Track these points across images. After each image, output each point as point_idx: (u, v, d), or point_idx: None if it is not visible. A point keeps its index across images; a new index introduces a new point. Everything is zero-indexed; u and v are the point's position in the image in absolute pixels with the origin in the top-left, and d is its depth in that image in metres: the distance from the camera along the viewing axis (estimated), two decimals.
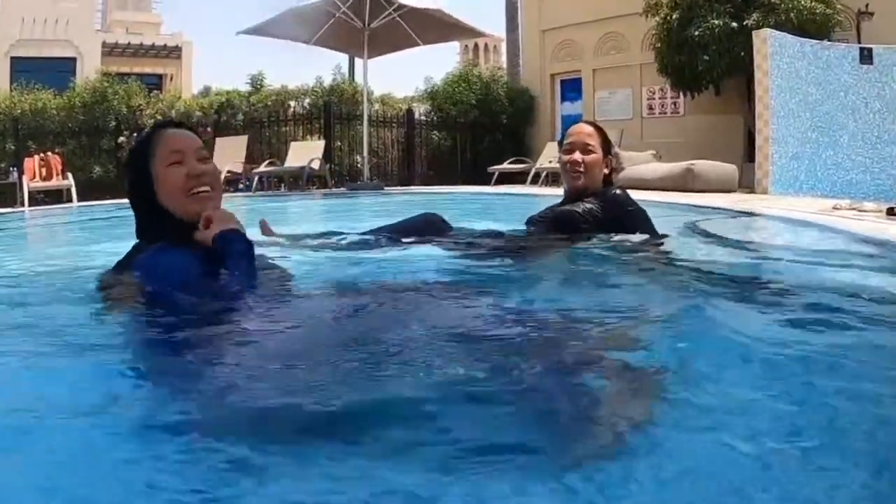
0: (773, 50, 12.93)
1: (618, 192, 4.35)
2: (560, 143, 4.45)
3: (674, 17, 16.16)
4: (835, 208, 7.44)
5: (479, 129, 21.27)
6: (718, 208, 8.03)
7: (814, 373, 1.98)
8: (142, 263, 2.80)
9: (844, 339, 2.31)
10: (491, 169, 17.79)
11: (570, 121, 20.89)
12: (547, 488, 1.37)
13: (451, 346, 2.22)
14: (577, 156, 4.21)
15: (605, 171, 4.32)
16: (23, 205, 17.00)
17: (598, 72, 20.95)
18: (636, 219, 4.30)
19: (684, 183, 13.04)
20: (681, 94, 17.79)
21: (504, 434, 1.61)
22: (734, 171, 13.83)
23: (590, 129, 4.33)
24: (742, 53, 14.57)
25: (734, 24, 15.19)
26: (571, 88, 21.75)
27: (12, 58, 36.76)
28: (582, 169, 4.22)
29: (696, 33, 15.44)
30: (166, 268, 2.75)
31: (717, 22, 15.26)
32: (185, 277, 2.71)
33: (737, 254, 4.97)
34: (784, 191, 12.45)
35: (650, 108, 19.90)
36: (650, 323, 2.56)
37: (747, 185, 13.66)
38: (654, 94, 19.72)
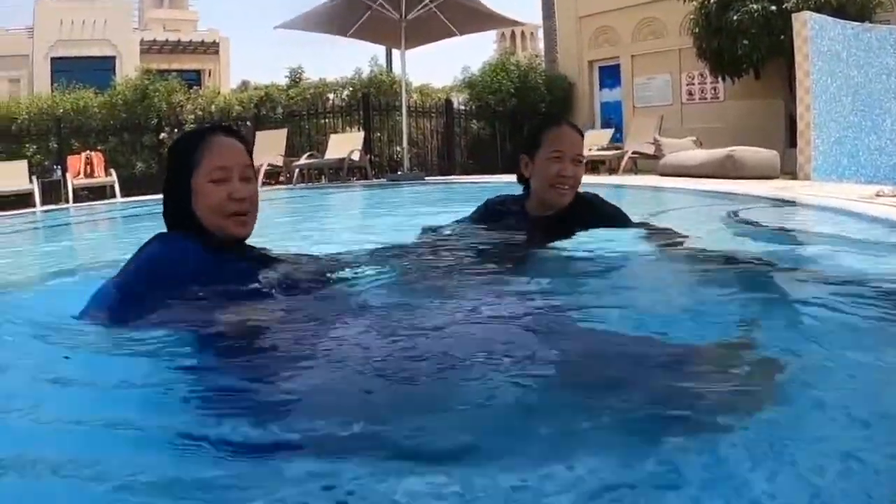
0: (813, 33, 12.75)
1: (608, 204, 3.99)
2: (534, 145, 3.79)
3: (711, 1, 15.99)
4: (877, 195, 7.29)
5: (517, 118, 21.07)
6: (758, 196, 7.85)
7: None
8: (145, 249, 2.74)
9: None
10: None
11: (608, 107, 20.91)
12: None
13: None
14: (569, 167, 3.67)
15: None
16: (67, 201, 17.25)
17: (637, 58, 20.77)
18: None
19: (725, 170, 12.87)
20: (720, 79, 17.59)
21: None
22: (775, 157, 13.63)
23: (579, 136, 3.85)
24: (782, 37, 14.43)
25: (773, 8, 15.04)
26: (610, 75, 21.60)
27: (52, 58, 37.12)
28: (572, 184, 3.70)
29: (735, 17, 15.30)
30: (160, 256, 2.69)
31: (755, 6, 15.11)
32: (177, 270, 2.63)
33: (777, 243, 4.94)
34: (826, 177, 12.28)
35: (689, 93, 19.70)
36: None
37: (789, 170, 13.46)
38: (693, 79, 19.51)
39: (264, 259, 2.93)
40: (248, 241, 2.91)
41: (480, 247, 3.76)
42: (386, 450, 1.63)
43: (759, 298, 3.00)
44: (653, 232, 3.98)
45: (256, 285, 2.73)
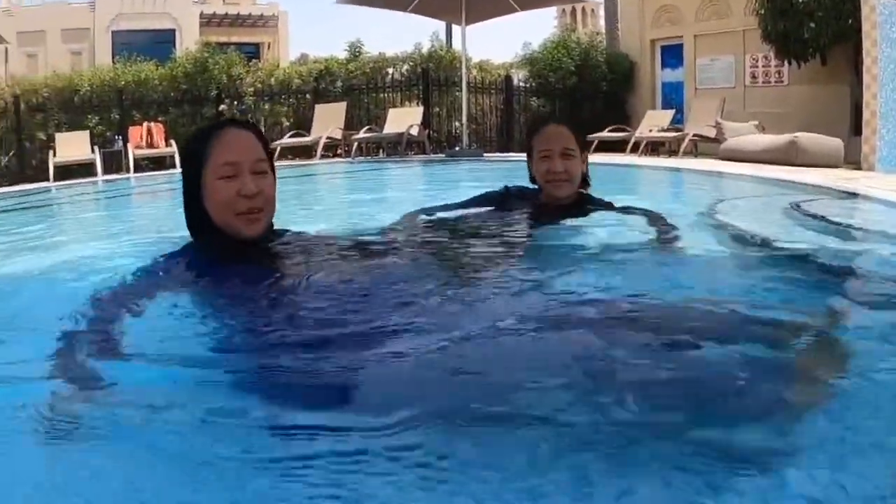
0: (882, 18, 12.46)
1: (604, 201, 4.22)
2: (529, 147, 4.12)
3: None
4: None
5: (578, 96, 20.93)
6: (821, 186, 7.70)
7: None
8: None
9: None
10: (590, 137, 17.59)
11: (670, 88, 20.66)
12: None
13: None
14: (558, 164, 3.93)
15: (584, 168, 4.10)
16: (128, 171, 17.60)
17: (700, 38, 20.34)
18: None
19: (787, 156, 12.70)
20: (785, 62, 17.22)
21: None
22: (839, 146, 13.39)
23: (566, 130, 4.03)
24: (850, 21, 14.12)
25: None
26: (672, 55, 21.24)
27: (113, 32, 37.57)
28: (564, 177, 3.95)
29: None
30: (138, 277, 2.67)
31: None
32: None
33: (839, 238, 4.81)
34: (891, 168, 12.01)
35: (753, 76, 19.30)
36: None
37: (853, 160, 13.18)
38: (757, 61, 19.09)
39: (272, 263, 2.84)
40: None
41: (501, 230, 3.95)
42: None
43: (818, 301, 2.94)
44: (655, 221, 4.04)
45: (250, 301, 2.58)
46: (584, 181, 4.12)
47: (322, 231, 3.58)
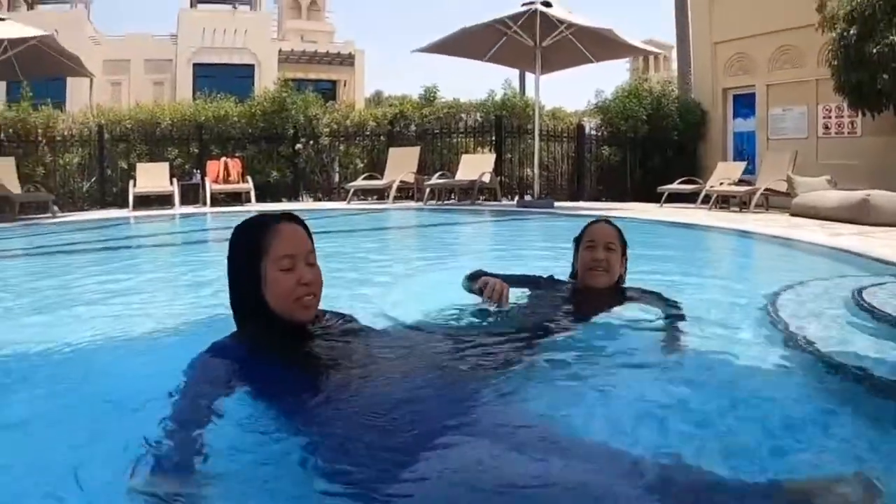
0: None
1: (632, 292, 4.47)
2: (578, 241, 4.49)
3: (851, 31, 15.17)
4: None
5: (649, 145, 21.01)
6: (891, 263, 7.21)
7: None
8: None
9: None
10: (661, 189, 17.63)
11: (742, 138, 20.57)
12: None
13: None
14: (601, 253, 4.31)
15: (621, 269, 4.43)
16: (205, 204, 18.05)
17: (773, 87, 20.12)
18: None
19: (859, 215, 12.49)
20: (859, 113, 16.96)
21: None
22: None
23: (611, 228, 4.45)
24: None
25: None
26: (744, 104, 21.10)
27: (195, 64, 38.33)
28: (604, 266, 4.31)
29: (875, 50, 14.76)
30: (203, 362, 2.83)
31: None
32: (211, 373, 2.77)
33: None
34: None
35: (826, 127, 19.03)
36: None
37: None
38: (830, 112, 18.87)
39: (314, 353, 3.00)
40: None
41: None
42: None
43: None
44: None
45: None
46: (620, 280, 4.44)
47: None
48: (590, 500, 2.11)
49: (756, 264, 9.07)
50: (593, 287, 4.34)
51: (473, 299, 4.26)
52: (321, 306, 3.13)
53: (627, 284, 4.50)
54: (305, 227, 3.05)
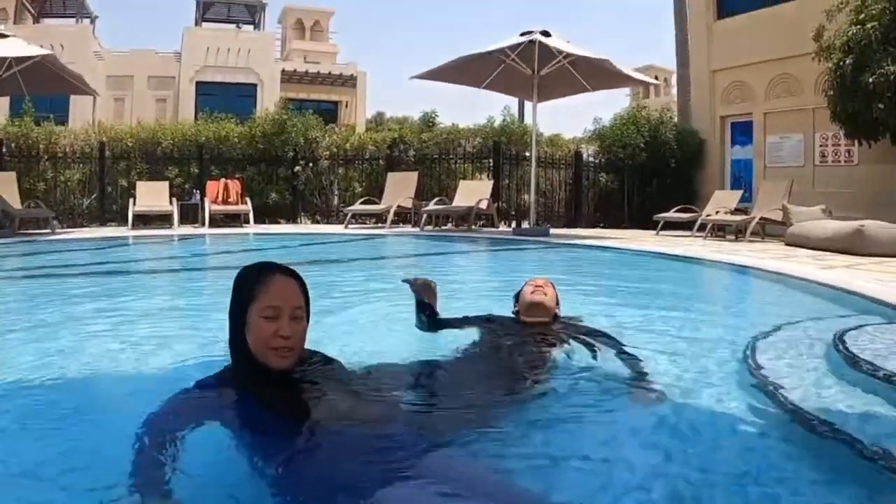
0: None
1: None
2: (517, 296, 5.16)
3: (847, 61, 15.34)
4: None
5: (647, 172, 21.10)
6: (878, 301, 6.96)
7: None
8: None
9: None
10: (657, 217, 17.68)
11: (739, 165, 20.65)
12: None
13: None
14: (539, 296, 4.98)
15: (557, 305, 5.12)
16: (204, 225, 18.19)
17: (770, 115, 20.22)
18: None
19: (853, 246, 12.52)
20: (855, 142, 17.03)
21: None
22: None
23: (546, 280, 5.18)
24: None
25: None
26: (742, 132, 21.22)
27: (198, 82, 38.49)
28: (543, 303, 4.97)
29: (871, 80, 14.79)
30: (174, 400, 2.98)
31: (892, 68, 14.56)
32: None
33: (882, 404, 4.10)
34: None
35: (822, 155, 19.06)
36: None
37: None
38: (826, 140, 18.88)
39: (296, 398, 3.14)
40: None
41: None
42: None
43: None
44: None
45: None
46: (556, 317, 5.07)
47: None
48: None
49: (743, 301, 9.06)
50: (534, 322, 4.91)
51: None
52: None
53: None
54: (301, 284, 3.19)
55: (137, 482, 2.54)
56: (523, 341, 4.64)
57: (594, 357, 4.51)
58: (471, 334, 4.81)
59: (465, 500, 2.55)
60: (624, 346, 4.58)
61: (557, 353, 4.49)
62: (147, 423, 2.80)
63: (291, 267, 3.24)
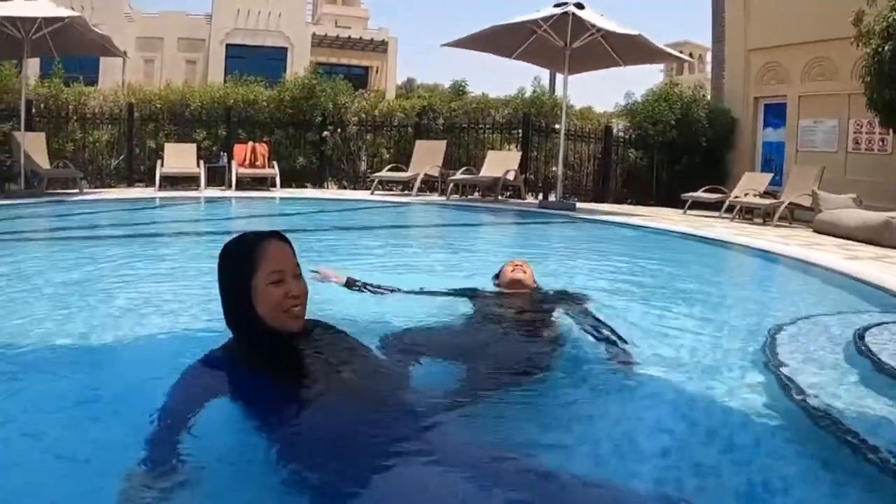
0: None
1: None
2: (497, 276, 5.71)
3: (886, 48, 14.84)
4: None
5: (676, 150, 20.86)
6: None
7: None
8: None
9: None
10: (685, 196, 17.51)
11: (771, 147, 20.35)
12: None
13: None
14: (520, 273, 5.49)
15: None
16: (231, 188, 18.22)
17: (805, 98, 19.86)
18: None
19: (881, 237, 12.33)
20: (890, 130, 16.76)
21: None
22: None
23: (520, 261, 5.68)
24: None
25: None
26: (775, 114, 20.92)
27: (228, 45, 38.41)
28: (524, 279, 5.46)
29: None
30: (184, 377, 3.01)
31: None
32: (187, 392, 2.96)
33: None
34: None
35: (856, 142, 18.71)
36: None
37: None
38: (861, 127, 18.55)
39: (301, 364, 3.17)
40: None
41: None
42: None
43: None
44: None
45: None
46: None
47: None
48: None
49: (766, 289, 8.96)
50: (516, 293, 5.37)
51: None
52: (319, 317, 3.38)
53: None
54: (290, 244, 3.25)
55: (152, 457, 2.65)
56: (515, 308, 5.02)
57: (574, 320, 4.83)
58: (461, 304, 5.15)
59: (474, 475, 2.58)
60: (598, 318, 4.86)
61: (552, 318, 4.82)
62: (162, 409, 2.83)
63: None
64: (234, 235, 3.25)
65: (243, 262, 3.13)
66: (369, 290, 5.33)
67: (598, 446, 3.25)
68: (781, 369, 4.21)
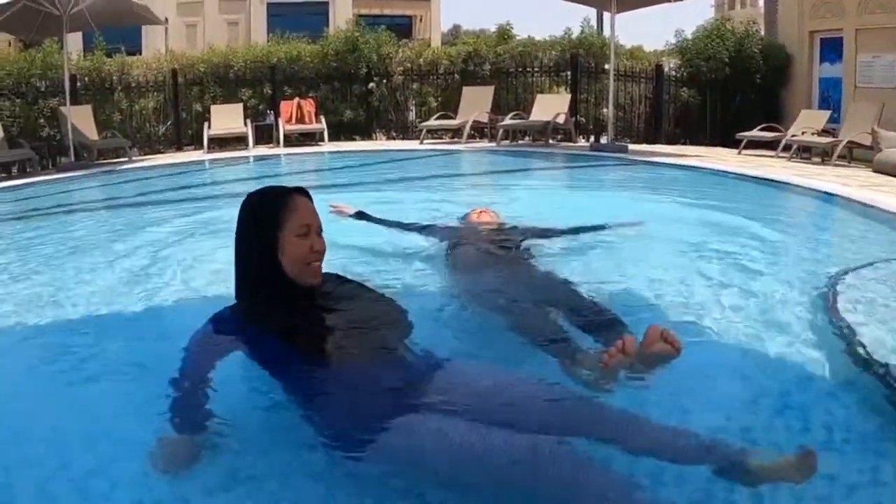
0: None
1: None
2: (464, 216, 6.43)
3: None
4: None
5: (730, 88, 20.25)
6: None
7: None
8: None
9: None
10: (740, 135, 17.08)
11: (828, 83, 19.74)
12: None
13: None
14: (484, 217, 6.23)
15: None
16: (279, 144, 18.37)
17: (862, 32, 18.99)
18: None
19: None
20: None
21: None
22: None
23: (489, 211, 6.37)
24: None
25: None
26: (832, 49, 20.26)
27: (269, 3, 38.26)
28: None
29: None
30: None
31: None
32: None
33: None
34: None
35: None
36: None
37: None
38: None
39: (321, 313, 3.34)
40: None
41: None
42: None
43: None
44: None
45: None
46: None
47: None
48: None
49: (828, 232, 8.70)
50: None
51: None
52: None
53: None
54: (313, 201, 3.42)
55: (175, 419, 2.98)
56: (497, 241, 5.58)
57: (546, 238, 5.78)
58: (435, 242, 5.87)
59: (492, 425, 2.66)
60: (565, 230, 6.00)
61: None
62: (179, 370, 3.03)
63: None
64: (256, 189, 3.36)
65: (274, 215, 3.25)
66: (375, 222, 6.22)
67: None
68: (843, 318, 4.00)
